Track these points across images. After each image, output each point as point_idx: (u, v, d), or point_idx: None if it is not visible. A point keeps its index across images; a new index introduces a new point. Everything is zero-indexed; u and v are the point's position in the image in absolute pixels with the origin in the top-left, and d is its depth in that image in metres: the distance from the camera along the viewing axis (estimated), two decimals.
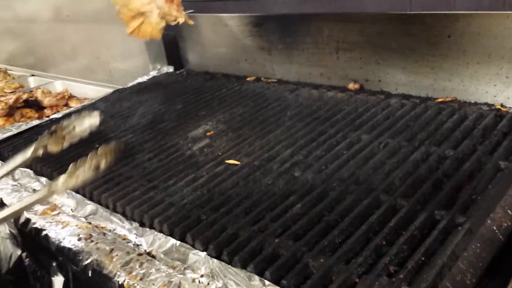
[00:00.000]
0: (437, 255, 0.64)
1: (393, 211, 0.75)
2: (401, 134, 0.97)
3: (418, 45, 1.14)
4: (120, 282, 0.71)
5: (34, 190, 1.02)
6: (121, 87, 1.62)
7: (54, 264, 0.89)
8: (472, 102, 1.09)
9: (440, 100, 1.12)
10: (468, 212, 0.73)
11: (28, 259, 0.98)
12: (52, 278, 0.90)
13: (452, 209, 0.73)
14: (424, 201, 0.76)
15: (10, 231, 1.00)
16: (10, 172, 1.04)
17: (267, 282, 0.64)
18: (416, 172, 0.84)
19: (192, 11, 1.72)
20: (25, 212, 0.93)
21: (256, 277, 0.65)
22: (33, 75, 2.26)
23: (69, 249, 0.81)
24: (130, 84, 1.62)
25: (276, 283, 0.64)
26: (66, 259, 0.82)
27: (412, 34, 1.14)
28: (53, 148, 1.07)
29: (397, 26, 1.15)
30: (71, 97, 1.82)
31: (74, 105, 1.72)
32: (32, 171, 1.07)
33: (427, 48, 1.13)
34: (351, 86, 1.28)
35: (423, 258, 0.64)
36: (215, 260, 0.70)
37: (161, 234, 0.79)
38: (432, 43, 1.11)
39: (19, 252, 0.99)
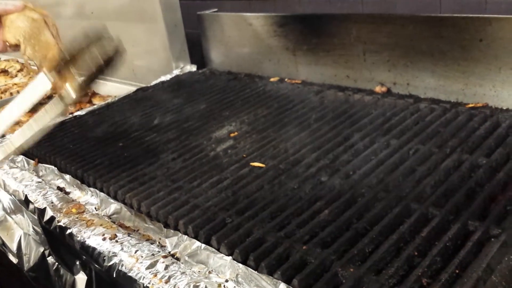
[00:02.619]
0: (471, 267, 0.62)
1: (424, 221, 0.73)
2: (432, 140, 0.95)
3: (449, 48, 1.11)
4: (145, 285, 0.70)
5: (59, 188, 1.02)
6: (144, 85, 1.62)
7: (77, 262, 0.89)
8: (504, 108, 1.06)
9: (471, 105, 1.09)
10: (503, 223, 0.70)
11: (50, 257, 0.98)
12: (75, 277, 0.90)
13: (486, 220, 0.70)
14: (457, 211, 0.74)
15: (34, 228, 1.00)
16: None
17: None
18: (448, 180, 0.81)
19: (215, 10, 1.72)
20: (49, 210, 0.93)
21: (283, 285, 0.64)
22: None
23: (94, 248, 0.80)
24: (153, 83, 1.62)
25: None
26: (90, 258, 0.82)
27: (443, 37, 1.11)
28: None
29: (427, 28, 1.12)
30: (94, 94, 1.82)
31: (98, 102, 1.72)
32: (56, 168, 1.07)
33: (458, 52, 1.10)
34: (378, 89, 1.25)
35: (457, 271, 0.63)
36: (241, 265, 0.69)
37: (186, 236, 0.78)
38: (463, 46, 1.09)
39: (41, 249, 1.00)
